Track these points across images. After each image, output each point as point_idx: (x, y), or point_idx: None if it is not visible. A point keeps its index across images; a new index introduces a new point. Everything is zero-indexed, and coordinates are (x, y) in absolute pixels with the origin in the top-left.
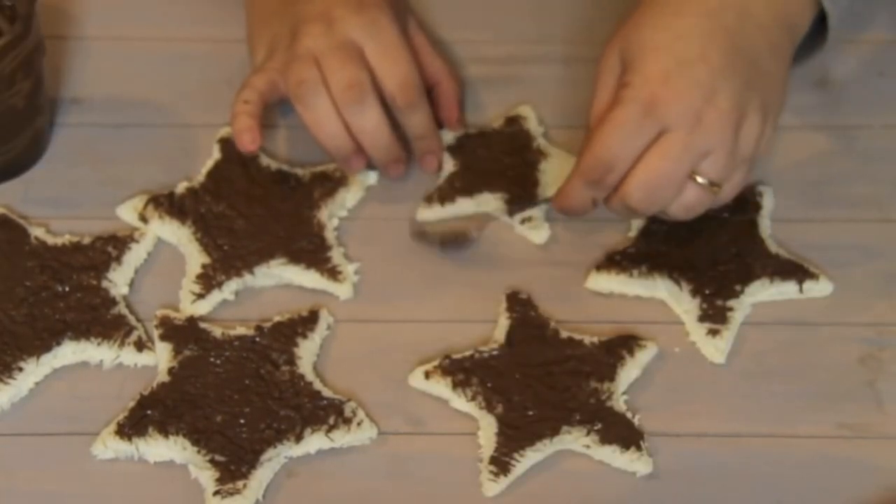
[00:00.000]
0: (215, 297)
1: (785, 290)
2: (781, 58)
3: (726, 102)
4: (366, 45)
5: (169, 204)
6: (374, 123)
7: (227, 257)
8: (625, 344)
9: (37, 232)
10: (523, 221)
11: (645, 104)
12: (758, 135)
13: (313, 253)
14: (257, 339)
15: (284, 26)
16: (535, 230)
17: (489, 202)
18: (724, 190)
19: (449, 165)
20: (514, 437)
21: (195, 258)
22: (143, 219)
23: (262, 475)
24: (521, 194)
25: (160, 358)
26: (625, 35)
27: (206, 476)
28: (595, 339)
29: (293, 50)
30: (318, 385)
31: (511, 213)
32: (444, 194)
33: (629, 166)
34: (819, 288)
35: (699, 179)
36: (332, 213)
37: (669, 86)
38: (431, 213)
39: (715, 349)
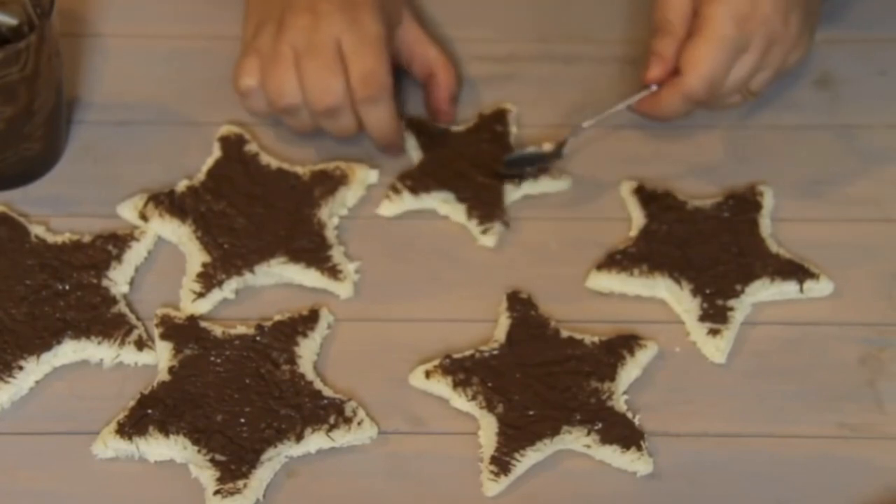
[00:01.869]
0: (216, 295)
1: (785, 289)
2: None
3: (795, 28)
4: (343, 39)
5: (169, 202)
6: (347, 130)
7: (228, 256)
8: (625, 344)
9: (37, 230)
10: (485, 231)
11: (738, 21)
12: (800, 57)
13: (314, 252)
14: (258, 338)
15: (275, 9)
16: (486, 235)
17: (452, 204)
18: (757, 97)
19: (417, 155)
20: (514, 437)
21: (195, 257)
22: (144, 217)
23: (262, 474)
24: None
25: (160, 357)
26: None
27: (206, 475)
28: (595, 339)
29: (277, 42)
30: (318, 384)
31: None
32: (415, 185)
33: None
34: (819, 288)
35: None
36: (333, 212)
37: (757, 6)
38: (393, 207)
39: (715, 349)
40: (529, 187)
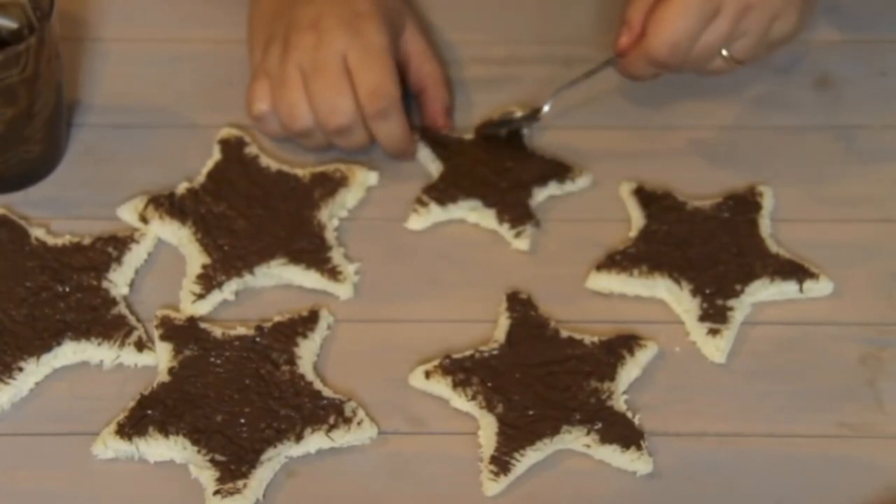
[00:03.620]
0: (215, 297)
1: (785, 289)
2: None
3: None
4: (348, 54)
5: (169, 204)
6: (359, 145)
7: (228, 257)
8: (625, 343)
9: (37, 232)
10: (518, 234)
11: None
12: (790, 29)
13: (313, 253)
14: (257, 339)
15: (279, 28)
16: (519, 238)
17: (480, 211)
18: (745, 65)
19: (436, 167)
20: (514, 437)
21: (195, 258)
22: (144, 219)
23: (262, 475)
24: (514, 212)
25: (160, 358)
26: None
27: (206, 476)
28: (595, 339)
29: (284, 63)
30: (318, 385)
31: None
32: (441, 197)
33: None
34: (819, 288)
35: (725, 53)
36: (333, 214)
37: None
38: (421, 220)
39: (715, 349)
40: (554, 188)
